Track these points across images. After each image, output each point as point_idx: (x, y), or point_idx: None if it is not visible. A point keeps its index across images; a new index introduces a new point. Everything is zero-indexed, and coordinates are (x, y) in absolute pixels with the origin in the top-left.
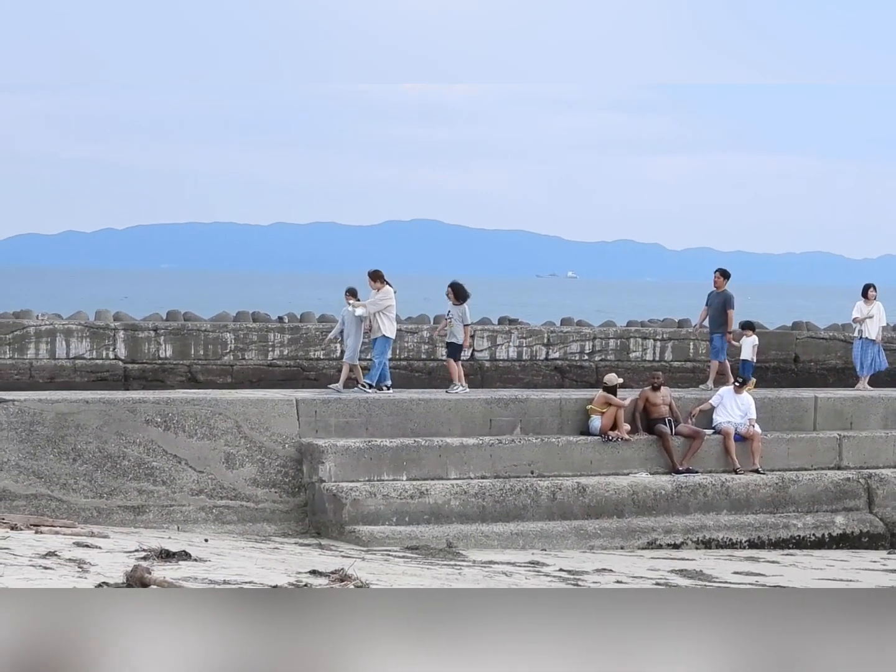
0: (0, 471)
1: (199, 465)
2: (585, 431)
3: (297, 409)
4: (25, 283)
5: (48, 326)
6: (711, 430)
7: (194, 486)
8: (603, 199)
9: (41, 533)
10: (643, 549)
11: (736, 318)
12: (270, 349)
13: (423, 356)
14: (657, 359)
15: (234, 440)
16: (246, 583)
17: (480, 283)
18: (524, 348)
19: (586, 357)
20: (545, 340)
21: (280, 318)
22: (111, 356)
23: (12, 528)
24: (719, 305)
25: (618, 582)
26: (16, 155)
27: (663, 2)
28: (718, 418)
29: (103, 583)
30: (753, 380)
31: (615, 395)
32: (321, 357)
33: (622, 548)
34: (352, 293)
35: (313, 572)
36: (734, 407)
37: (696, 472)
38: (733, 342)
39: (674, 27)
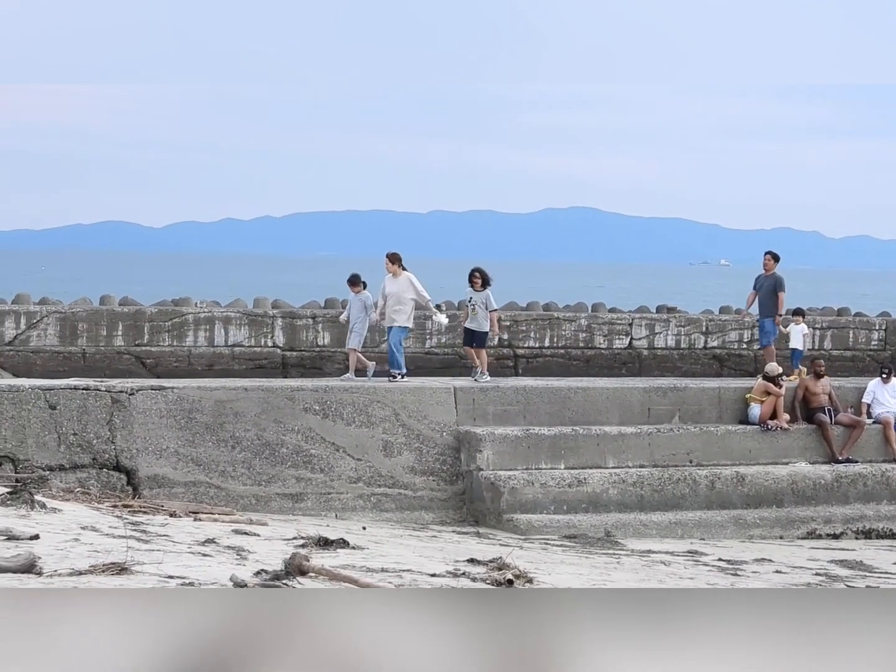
0: (159, 458)
1: (357, 452)
2: (744, 420)
3: (454, 397)
4: (184, 271)
5: (207, 314)
6: (871, 420)
7: (352, 474)
8: (760, 187)
9: (200, 520)
10: (802, 538)
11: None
12: (428, 337)
13: (581, 344)
14: (815, 347)
15: (391, 428)
16: (405, 571)
17: (632, 270)
18: (682, 337)
19: (745, 346)
20: (703, 329)
21: (438, 306)
22: (269, 344)
23: (171, 516)
24: (769, 289)
25: (777, 572)
26: (175, 143)
27: None
28: (876, 409)
29: (262, 570)
30: (803, 369)
31: (775, 384)
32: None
33: (781, 537)
34: (353, 282)
35: (471, 561)
36: (886, 396)
37: (856, 462)
38: (781, 328)
39: (831, 15)
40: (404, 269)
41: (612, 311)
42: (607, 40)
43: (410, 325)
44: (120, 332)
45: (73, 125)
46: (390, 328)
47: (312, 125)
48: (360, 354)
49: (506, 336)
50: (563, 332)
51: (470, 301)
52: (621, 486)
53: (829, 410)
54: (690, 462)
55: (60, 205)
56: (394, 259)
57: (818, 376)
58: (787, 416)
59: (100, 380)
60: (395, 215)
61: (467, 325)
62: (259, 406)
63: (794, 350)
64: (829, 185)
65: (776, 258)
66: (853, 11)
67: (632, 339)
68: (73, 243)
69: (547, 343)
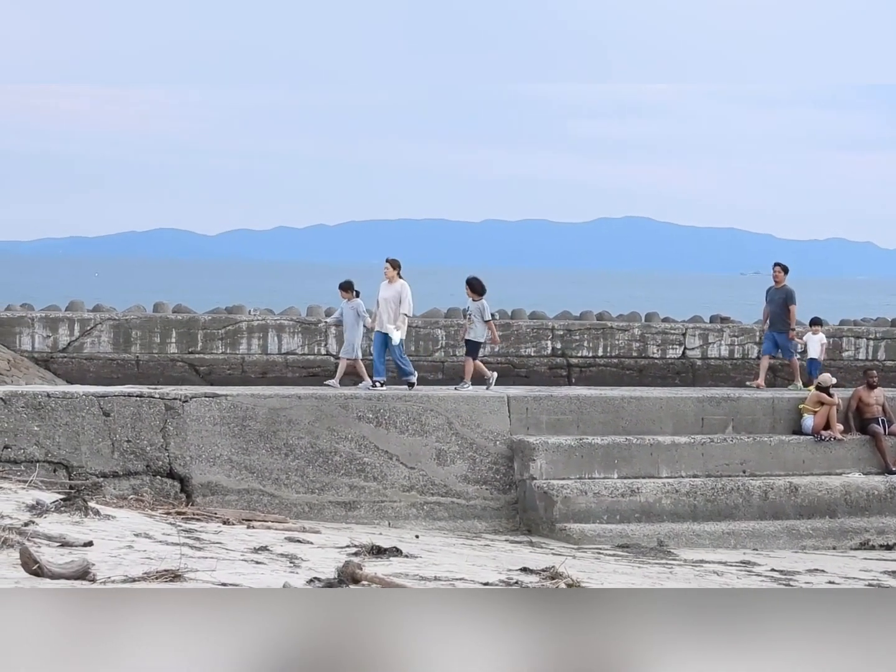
0: (213, 465)
1: (410, 461)
2: (798, 431)
3: (508, 406)
4: (237, 279)
5: (260, 322)
6: None
7: (405, 482)
8: (814, 198)
9: (253, 528)
10: (855, 549)
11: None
12: (482, 347)
13: (635, 353)
14: (870, 358)
15: (445, 437)
16: (457, 580)
17: (685, 280)
18: (735, 346)
19: (798, 356)
20: (756, 339)
21: (492, 315)
22: (322, 352)
23: (225, 523)
24: (780, 301)
25: (830, 583)
26: (229, 150)
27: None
28: None
29: (314, 578)
30: (817, 379)
31: (829, 394)
32: (532, 354)
33: (834, 548)
34: (346, 287)
35: (524, 570)
36: None
37: None
38: (796, 339)
39: (883, 26)
40: (401, 277)
41: (665, 320)
42: (666, 47)
43: (401, 336)
44: (173, 340)
45: (127, 132)
46: (378, 333)
47: (365, 133)
48: (359, 362)
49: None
50: (617, 342)
51: (467, 311)
52: (674, 495)
53: (882, 421)
54: (744, 472)
55: (114, 212)
56: (394, 265)
57: (871, 387)
58: (840, 427)
59: (153, 387)
60: (449, 224)
61: (466, 336)
62: (312, 414)
63: (811, 360)
64: (882, 196)
65: (786, 270)
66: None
67: (685, 348)
68: (126, 250)
69: (600, 352)
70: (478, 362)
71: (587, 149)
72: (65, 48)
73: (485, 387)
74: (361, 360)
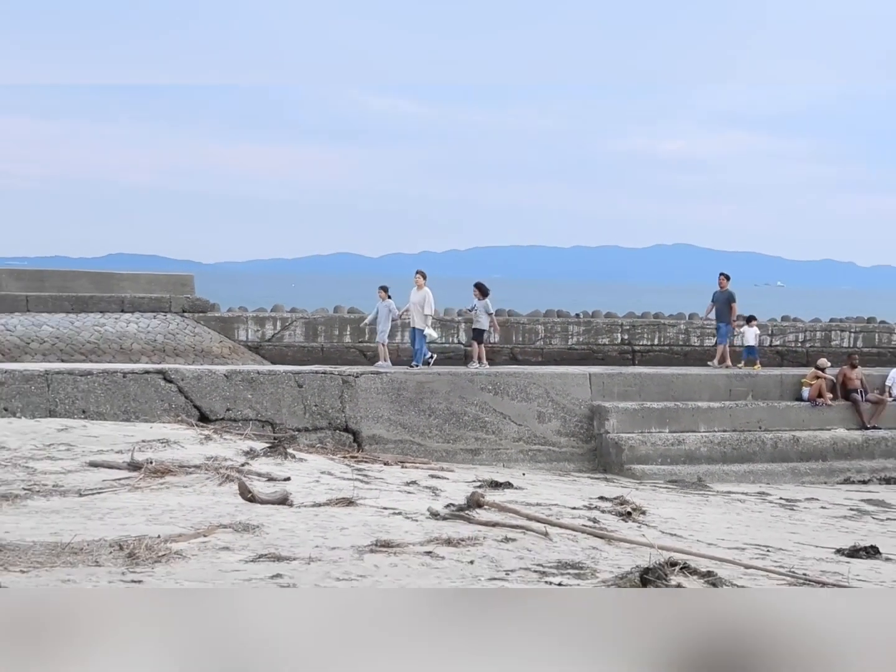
0: (376, 422)
1: (518, 420)
2: (799, 398)
3: (589, 380)
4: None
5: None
6: (892, 398)
7: (515, 435)
8: (814, 227)
9: (405, 468)
10: (840, 484)
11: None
12: (570, 337)
13: (681, 343)
14: (851, 345)
15: (543, 402)
16: (553, 505)
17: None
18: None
19: (800, 344)
20: (769, 332)
21: (577, 315)
22: (455, 341)
23: (385, 464)
24: (724, 301)
25: (822, 507)
26: (387, 194)
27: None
28: (895, 391)
29: (450, 503)
30: (758, 362)
31: (821, 371)
32: (606, 343)
33: (825, 483)
34: (384, 289)
35: (601, 498)
36: None
37: (880, 429)
38: (737, 330)
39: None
40: (425, 285)
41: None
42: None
43: (424, 328)
44: (348, 333)
45: (319, 181)
46: (413, 329)
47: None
48: (383, 346)
49: (590, 337)
50: (668, 334)
51: (473, 308)
52: (709, 445)
53: (861, 391)
54: (760, 428)
55: (304, 239)
56: (423, 275)
57: (853, 367)
58: (830, 396)
59: (333, 367)
60: (546, 250)
61: (473, 326)
62: (448, 386)
63: (748, 347)
64: (863, 227)
65: (728, 277)
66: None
67: (745, 341)
68: (312, 269)
69: (656, 342)
70: (481, 348)
71: (648, 191)
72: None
73: (478, 365)
74: (414, 351)
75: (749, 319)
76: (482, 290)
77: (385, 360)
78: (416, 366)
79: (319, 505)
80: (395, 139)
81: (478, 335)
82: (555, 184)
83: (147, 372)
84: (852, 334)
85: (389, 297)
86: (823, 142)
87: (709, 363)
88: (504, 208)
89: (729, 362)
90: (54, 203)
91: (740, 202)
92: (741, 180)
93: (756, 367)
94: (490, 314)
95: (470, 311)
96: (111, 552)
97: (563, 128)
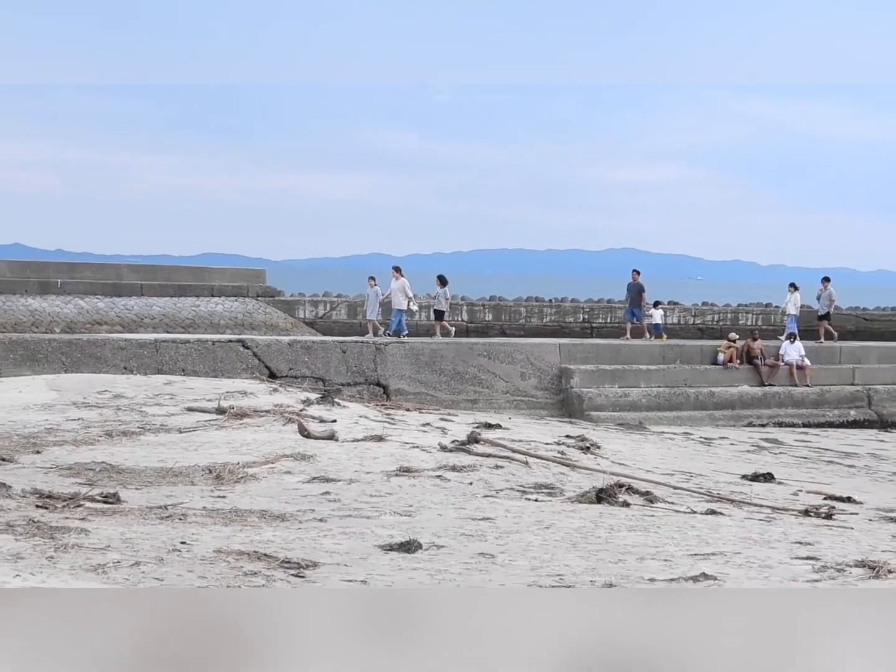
0: (401, 379)
1: (506, 377)
2: (714, 362)
3: (559, 349)
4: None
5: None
6: (783, 363)
7: (503, 389)
8: (725, 235)
9: (422, 413)
10: (744, 427)
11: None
12: (545, 316)
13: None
14: (753, 324)
15: (525, 365)
16: (531, 441)
17: (658, 283)
18: (680, 316)
19: (715, 323)
20: (692, 314)
21: (550, 300)
22: (462, 319)
23: (407, 411)
24: (636, 291)
25: (731, 444)
26: None
27: None
28: (786, 357)
29: (455, 440)
30: (664, 335)
31: (733, 342)
32: (572, 321)
33: (733, 426)
34: (372, 279)
35: (567, 436)
36: (790, 351)
37: (774, 385)
38: (647, 313)
39: None
40: (402, 276)
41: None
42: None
43: (403, 307)
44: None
45: (353, 197)
46: (394, 309)
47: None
48: (372, 323)
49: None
50: (617, 315)
51: (436, 295)
52: (648, 397)
53: (760, 358)
54: (685, 385)
55: (347, 241)
56: (397, 269)
57: (754, 339)
58: (738, 361)
59: (369, 337)
60: (526, 252)
61: (434, 308)
62: (454, 352)
63: (655, 324)
64: (763, 233)
65: (638, 273)
66: None
67: (653, 321)
68: (353, 265)
69: (609, 321)
70: (444, 323)
71: (606, 209)
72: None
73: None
74: (391, 324)
75: (655, 304)
76: (442, 281)
77: (371, 334)
78: (400, 334)
79: (357, 441)
80: (399, 167)
81: (438, 315)
82: (535, 202)
83: (230, 341)
84: (754, 315)
85: (376, 285)
86: (728, 172)
87: (621, 338)
88: (496, 220)
89: (629, 335)
90: (160, 211)
91: (671, 216)
92: (671, 199)
93: (662, 338)
94: (447, 299)
95: (433, 297)
96: (203, 475)
97: (542, 161)
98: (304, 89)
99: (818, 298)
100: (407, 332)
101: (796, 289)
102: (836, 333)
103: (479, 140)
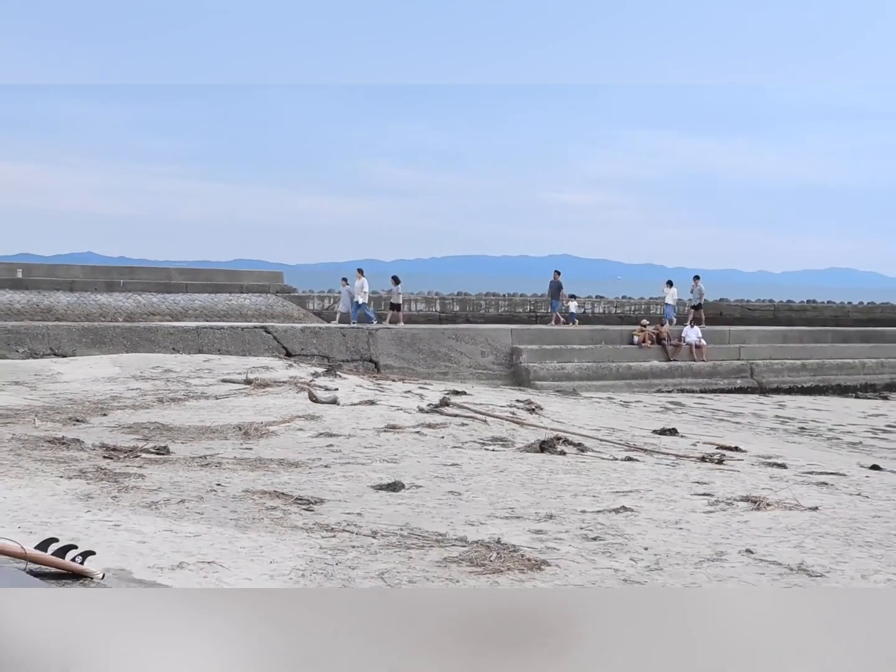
0: (388, 357)
1: (470, 355)
2: (631, 343)
3: (511, 333)
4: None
5: (426, 296)
6: (685, 344)
7: (468, 364)
8: (642, 243)
9: (405, 383)
10: (655, 392)
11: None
12: (500, 307)
13: (563, 311)
14: (661, 313)
15: (484, 346)
16: (490, 405)
17: (593, 283)
18: (605, 307)
19: (633, 312)
20: (615, 305)
21: (504, 295)
22: (435, 310)
23: (393, 381)
24: (556, 287)
25: (644, 407)
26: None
27: None
28: (687, 338)
29: (430, 403)
30: (577, 322)
31: (644, 327)
32: (520, 312)
33: (646, 392)
34: (345, 280)
35: (517, 401)
36: (692, 334)
37: (677, 361)
38: (565, 304)
39: None
40: (363, 277)
41: (572, 297)
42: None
43: (364, 300)
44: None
45: (347, 217)
46: (355, 303)
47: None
48: (345, 314)
49: (439, 307)
50: (566, 305)
51: (392, 290)
52: (580, 370)
53: (667, 339)
54: (609, 360)
55: (347, 248)
56: (360, 271)
57: (662, 324)
58: (650, 342)
59: (363, 324)
60: (489, 258)
61: (391, 301)
62: (430, 335)
63: (572, 313)
64: (666, 240)
65: (559, 273)
66: None
67: (585, 310)
68: (352, 269)
69: (549, 311)
70: (397, 313)
71: (551, 224)
72: None
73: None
74: (352, 315)
75: (572, 297)
76: (396, 280)
77: (336, 321)
78: (371, 321)
79: (354, 404)
80: (385, 192)
81: (394, 307)
82: (498, 220)
83: (255, 327)
84: (661, 306)
85: (348, 284)
86: (642, 195)
87: (551, 324)
88: (463, 233)
89: (554, 324)
90: (201, 227)
91: (599, 229)
92: (599, 217)
93: (576, 324)
94: (400, 293)
95: (389, 293)
96: (234, 431)
97: (504, 187)
98: (310, 123)
99: (691, 291)
100: (376, 320)
101: (672, 285)
102: (703, 320)
103: (451, 172)
